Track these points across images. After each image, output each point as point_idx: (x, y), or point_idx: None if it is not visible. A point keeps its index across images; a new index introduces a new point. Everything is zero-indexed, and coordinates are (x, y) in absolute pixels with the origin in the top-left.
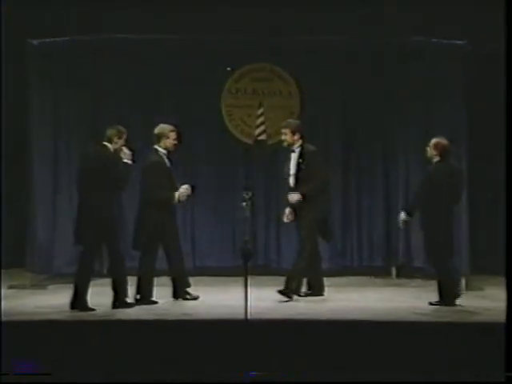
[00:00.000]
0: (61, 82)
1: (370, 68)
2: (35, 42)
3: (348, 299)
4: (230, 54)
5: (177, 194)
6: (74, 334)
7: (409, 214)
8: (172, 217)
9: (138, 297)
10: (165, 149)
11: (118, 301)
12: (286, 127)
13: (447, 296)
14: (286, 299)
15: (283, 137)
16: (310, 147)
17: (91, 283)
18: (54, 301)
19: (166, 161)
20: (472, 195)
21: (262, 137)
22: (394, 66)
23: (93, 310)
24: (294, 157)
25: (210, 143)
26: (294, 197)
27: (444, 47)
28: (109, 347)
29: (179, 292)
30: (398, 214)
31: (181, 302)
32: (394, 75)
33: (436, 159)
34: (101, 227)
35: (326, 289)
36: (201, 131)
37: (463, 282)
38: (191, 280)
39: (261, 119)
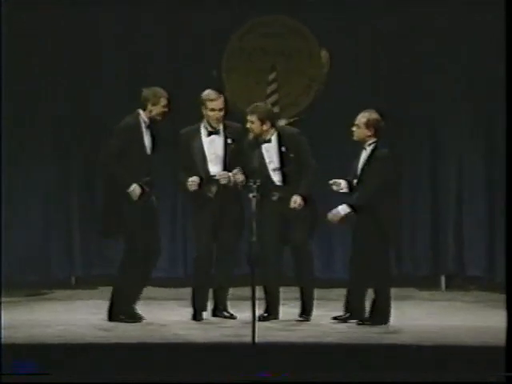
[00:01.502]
0: (34, 45)
1: (419, 24)
2: None
3: None
4: (233, 4)
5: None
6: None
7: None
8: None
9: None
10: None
11: (113, 313)
12: (252, 113)
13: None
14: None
15: (249, 125)
16: (288, 129)
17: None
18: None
19: (202, 131)
20: None
21: (275, 109)
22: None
23: (140, 319)
24: (271, 147)
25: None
26: (297, 200)
27: None
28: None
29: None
30: (447, 212)
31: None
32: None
33: (371, 141)
34: (125, 220)
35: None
36: (195, 101)
37: None
38: (181, 292)
39: (273, 87)
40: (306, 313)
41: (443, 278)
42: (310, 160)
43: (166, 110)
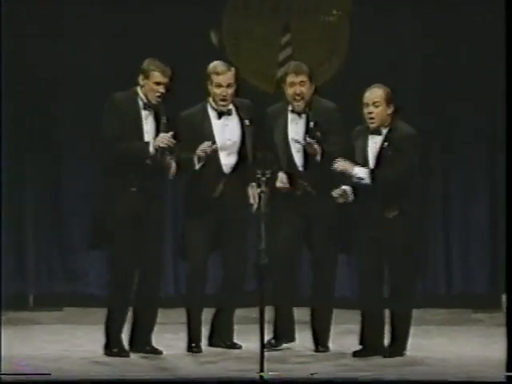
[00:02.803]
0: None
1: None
2: None
3: (426, 347)
4: None
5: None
6: None
7: None
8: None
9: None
10: None
11: (108, 346)
12: (299, 73)
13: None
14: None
15: (298, 89)
16: (323, 101)
17: None
18: None
19: (211, 113)
20: None
21: None
22: None
23: (127, 354)
24: (303, 120)
25: (204, 91)
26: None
27: None
28: None
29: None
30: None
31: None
32: None
33: (388, 122)
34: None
35: None
36: (190, 70)
37: None
38: (171, 312)
39: (287, 52)
40: (319, 344)
41: (504, 297)
42: (340, 142)
43: (159, 89)
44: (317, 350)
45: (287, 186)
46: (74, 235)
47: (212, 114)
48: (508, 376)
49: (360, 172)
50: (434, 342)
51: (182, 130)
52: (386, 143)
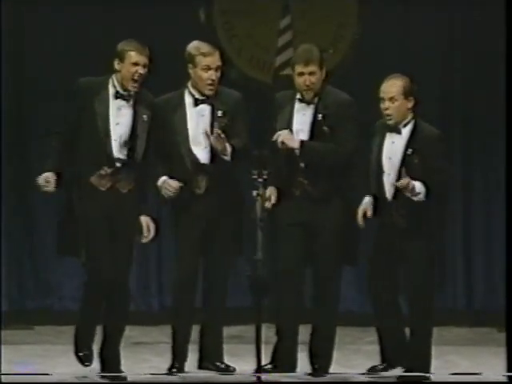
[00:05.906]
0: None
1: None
2: None
3: (443, 370)
4: None
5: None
6: None
7: None
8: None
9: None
10: None
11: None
12: (309, 62)
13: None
14: None
15: (308, 80)
16: (336, 91)
17: None
18: None
19: (187, 100)
20: None
21: (289, 70)
22: None
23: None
24: (309, 110)
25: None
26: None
27: None
28: None
29: None
30: None
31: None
32: None
33: (409, 119)
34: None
35: None
36: (176, 58)
37: None
38: (154, 330)
39: (286, 37)
40: (317, 366)
41: None
42: (351, 142)
43: (138, 70)
44: (314, 374)
45: (273, 202)
46: (46, 244)
47: (188, 100)
48: (508, 376)
49: (418, 187)
50: (451, 364)
51: (154, 120)
52: (409, 150)
